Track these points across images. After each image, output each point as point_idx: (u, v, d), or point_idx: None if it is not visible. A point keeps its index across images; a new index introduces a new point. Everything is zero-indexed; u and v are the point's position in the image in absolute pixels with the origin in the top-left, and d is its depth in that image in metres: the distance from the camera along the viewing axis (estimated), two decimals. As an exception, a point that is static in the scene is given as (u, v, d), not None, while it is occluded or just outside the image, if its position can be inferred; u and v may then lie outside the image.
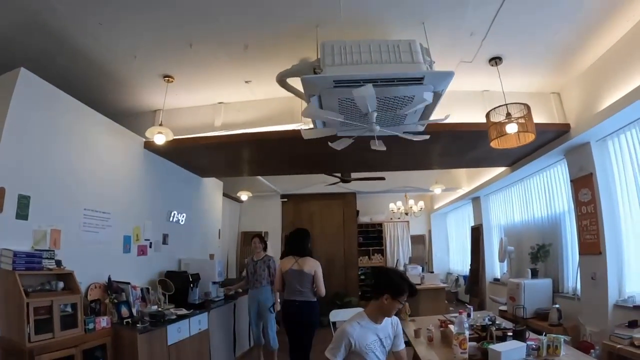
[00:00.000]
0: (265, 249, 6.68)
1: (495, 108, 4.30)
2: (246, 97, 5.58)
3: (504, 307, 7.06)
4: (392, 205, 11.60)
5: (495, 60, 4.58)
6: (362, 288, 11.20)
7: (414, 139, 4.07)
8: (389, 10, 3.70)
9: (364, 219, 13.42)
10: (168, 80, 4.98)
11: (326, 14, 3.71)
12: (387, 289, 3.01)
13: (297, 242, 5.58)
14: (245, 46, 4.29)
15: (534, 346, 3.23)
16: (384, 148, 4.15)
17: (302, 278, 5.32)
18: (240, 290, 7.03)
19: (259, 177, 9.26)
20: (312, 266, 5.39)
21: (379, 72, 3.13)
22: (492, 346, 3.08)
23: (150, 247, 5.84)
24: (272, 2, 3.59)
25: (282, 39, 4.15)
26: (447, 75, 3.22)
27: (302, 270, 5.33)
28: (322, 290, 5.45)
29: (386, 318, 3.13)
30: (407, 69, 3.18)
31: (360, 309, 3.26)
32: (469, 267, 10.59)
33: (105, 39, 4.18)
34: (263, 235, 6.72)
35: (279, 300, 6.08)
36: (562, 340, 3.21)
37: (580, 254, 5.57)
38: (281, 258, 5.69)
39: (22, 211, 3.74)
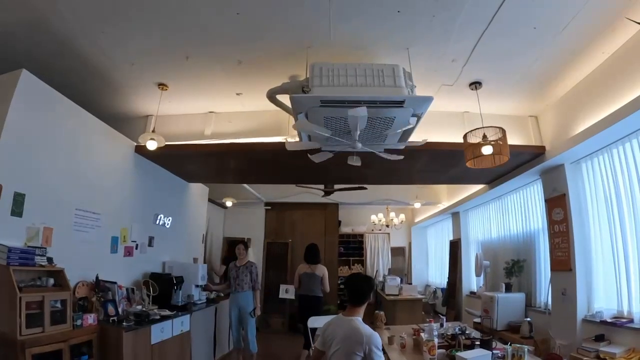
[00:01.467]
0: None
1: (472, 130, 4.50)
2: (236, 108, 5.73)
3: (478, 320, 7.18)
4: (373, 217, 11.67)
5: (475, 85, 4.79)
6: (342, 297, 11.34)
7: (389, 158, 4.29)
8: (377, 36, 3.91)
9: (345, 229, 13.50)
10: (162, 88, 5.11)
11: (317, 36, 3.91)
12: (370, 292, 3.33)
13: (311, 253, 7.43)
14: (239, 61, 4.46)
15: (500, 355, 3.43)
16: (359, 164, 4.43)
17: (314, 279, 7.18)
18: (222, 294, 7.20)
19: (244, 185, 9.42)
20: (322, 270, 7.30)
21: (363, 95, 3.34)
22: (459, 353, 3.29)
23: (136, 248, 5.95)
24: (267, 23, 3.77)
25: (274, 57, 4.33)
26: (427, 100, 3.44)
27: (314, 273, 7.21)
28: (328, 288, 7.29)
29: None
30: (389, 93, 3.39)
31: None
32: (447, 280, 10.71)
33: (106, 44, 4.29)
34: (246, 241, 6.94)
35: (259, 305, 6.75)
36: (525, 350, 3.41)
37: (551, 270, 5.74)
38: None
39: (17, 208, 3.83)
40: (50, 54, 4.46)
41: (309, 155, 4.36)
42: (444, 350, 3.53)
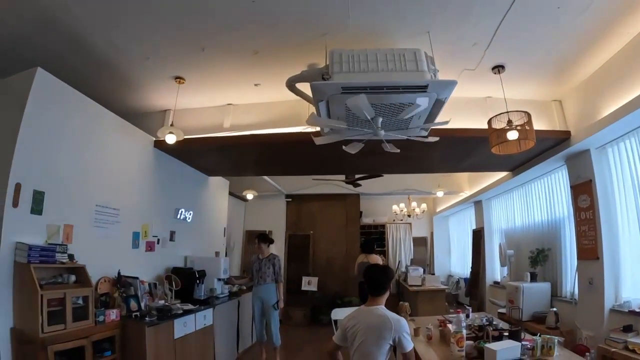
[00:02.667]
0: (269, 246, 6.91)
1: (496, 115, 4.39)
2: (254, 100, 5.68)
3: (503, 310, 7.05)
4: (395, 207, 11.63)
5: (498, 69, 4.67)
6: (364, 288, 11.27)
7: (426, 141, 4.18)
8: (396, 20, 3.82)
9: (366, 220, 13.46)
10: (179, 81, 5.08)
11: (335, 23, 3.82)
12: (389, 282, 3.32)
13: (367, 245, 7.96)
14: (255, 51, 4.40)
15: (529, 346, 3.34)
16: (397, 150, 4.31)
17: None
18: (244, 287, 7.19)
19: (265, 177, 9.37)
20: (376, 259, 7.65)
21: (385, 80, 3.25)
22: (488, 345, 3.19)
23: (158, 243, 5.96)
24: (283, 10, 3.70)
25: (291, 45, 4.26)
26: (450, 84, 3.34)
27: (369, 262, 7.23)
28: None
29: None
30: (412, 78, 3.29)
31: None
32: (470, 270, 10.59)
33: (120, 41, 4.28)
34: (267, 233, 6.63)
35: (282, 297, 6.74)
36: (555, 341, 3.33)
37: (578, 258, 5.60)
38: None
39: (37, 206, 3.85)
40: (64, 52, 4.46)
41: (343, 147, 4.30)
42: (471, 342, 3.43)
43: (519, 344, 3.27)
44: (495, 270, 9.46)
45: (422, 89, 3.29)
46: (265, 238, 6.91)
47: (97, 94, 4.81)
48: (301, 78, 3.87)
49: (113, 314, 4.30)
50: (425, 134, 4.16)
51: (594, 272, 5.18)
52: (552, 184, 6.92)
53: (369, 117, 3.35)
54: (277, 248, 10.55)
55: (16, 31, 4.09)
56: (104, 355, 4.11)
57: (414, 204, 11.59)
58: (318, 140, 4.06)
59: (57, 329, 3.60)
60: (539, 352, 3.30)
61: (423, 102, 3.30)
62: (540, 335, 3.41)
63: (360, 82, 3.25)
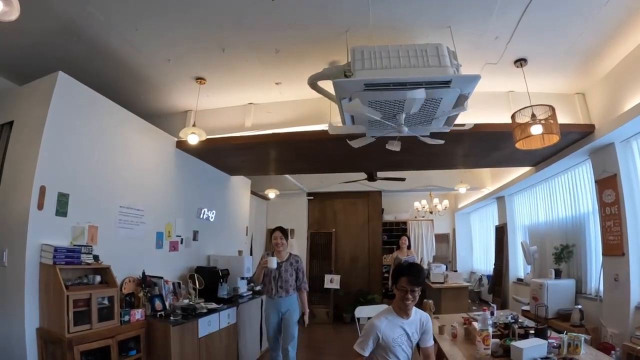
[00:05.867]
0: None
1: (520, 110, 4.33)
2: (276, 99, 5.67)
3: (526, 307, 6.99)
4: (416, 204, 11.60)
5: (521, 62, 4.59)
6: (386, 286, 11.25)
7: (430, 142, 4.18)
8: (416, 16, 3.77)
9: (388, 217, 13.46)
10: (200, 82, 5.10)
11: (356, 19, 3.79)
12: (392, 280, 3.23)
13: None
14: (276, 50, 4.39)
15: (555, 344, 3.29)
16: (398, 149, 4.31)
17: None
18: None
19: (286, 176, 9.38)
20: (412, 253, 8.30)
21: (408, 77, 3.23)
22: (514, 343, 3.16)
23: (181, 243, 6.00)
24: (303, 8, 3.68)
25: (312, 43, 4.24)
26: (474, 79, 3.29)
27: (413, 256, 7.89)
28: None
29: (416, 314, 3.21)
30: (435, 73, 3.26)
31: (386, 306, 3.36)
32: (493, 267, 10.51)
33: (140, 43, 4.31)
34: (286, 229, 5.59)
35: (307, 310, 5.44)
36: (582, 339, 3.28)
37: (603, 255, 5.51)
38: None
39: (62, 208, 3.91)
40: (86, 56, 4.50)
41: (347, 141, 4.28)
42: (497, 340, 3.38)
43: (546, 342, 3.22)
44: (518, 267, 9.38)
45: (445, 84, 3.26)
46: (285, 231, 5.50)
47: (120, 97, 4.89)
48: (323, 76, 3.85)
49: (138, 314, 4.35)
50: (448, 130, 4.13)
51: (619, 268, 5.10)
52: (576, 178, 6.81)
53: (412, 112, 3.35)
54: (299, 246, 10.57)
55: (40, 39, 4.15)
56: (129, 355, 4.15)
57: (435, 200, 11.51)
58: (332, 130, 4.06)
59: (83, 329, 3.65)
60: (565, 350, 3.25)
61: (466, 105, 3.29)
62: (566, 333, 3.36)
63: (383, 79, 3.23)
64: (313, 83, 4.02)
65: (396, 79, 3.22)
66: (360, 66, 3.36)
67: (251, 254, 8.86)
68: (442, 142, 4.24)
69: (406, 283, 3.03)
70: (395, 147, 4.26)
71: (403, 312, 3.13)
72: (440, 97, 3.42)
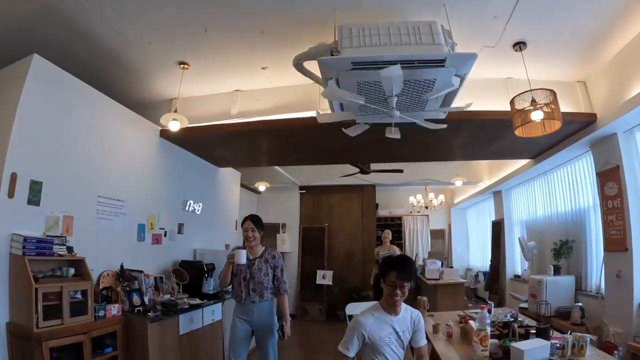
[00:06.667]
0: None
1: (519, 94, 4.14)
2: (263, 85, 5.47)
3: (524, 305, 6.89)
4: (411, 199, 11.50)
5: (520, 46, 4.39)
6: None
7: (431, 127, 3.93)
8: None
9: (383, 212, 13.33)
10: (184, 67, 4.92)
11: (345, -1, 3.58)
12: (380, 274, 2.97)
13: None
14: (262, 31, 4.19)
15: (558, 345, 3.07)
16: (398, 136, 4.05)
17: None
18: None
19: (277, 168, 9.18)
20: (393, 248, 7.90)
21: (399, 54, 3.01)
22: (514, 344, 2.93)
23: (165, 236, 5.82)
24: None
25: (299, 25, 4.05)
26: (470, 57, 3.08)
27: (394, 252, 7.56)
28: None
29: (406, 311, 3.02)
30: (428, 51, 3.04)
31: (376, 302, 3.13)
32: (489, 263, 10.41)
33: (120, 25, 4.16)
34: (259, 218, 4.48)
35: (289, 318, 4.26)
36: (588, 339, 3.05)
37: (605, 250, 5.37)
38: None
39: (34, 197, 3.74)
40: (64, 41, 4.37)
41: (343, 130, 4.08)
42: (496, 341, 3.16)
43: (549, 343, 3.00)
44: (515, 264, 9.29)
45: (439, 63, 3.04)
46: (257, 220, 4.39)
47: (101, 85, 4.71)
48: (309, 55, 3.63)
49: (114, 309, 4.14)
50: (444, 116, 3.91)
51: (622, 264, 4.95)
52: (576, 171, 6.67)
53: (394, 93, 3.10)
54: (292, 241, 10.38)
55: (19, 23, 4.04)
56: (104, 352, 3.94)
57: (431, 195, 11.41)
58: (321, 118, 3.86)
59: (53, 324, 3.48)
60: (569, 352, 3.03)
61: (456, 81, 3.05)
62: (571, 333, 3.13)
63: (372, 57, 3.01)
64: (298, 64, 3.82)
65: (386, 56, 3.00)
66: (348, 44, 3.14)
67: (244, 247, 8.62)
68: (444, 126, 4.02)
69: (395, 278, 2.82)
70: (394, 134, 4.00)
71: (391, 308, 2.93)
72: (434, 77, 3.21)
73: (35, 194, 3.73)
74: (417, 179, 10.60)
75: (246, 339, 4.23)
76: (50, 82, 3.99)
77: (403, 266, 2.88)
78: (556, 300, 6.08)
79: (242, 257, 4.02)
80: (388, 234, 8.25)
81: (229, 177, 8.28)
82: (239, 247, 4.21)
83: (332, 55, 3.26)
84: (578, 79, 5.28)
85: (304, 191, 11.21)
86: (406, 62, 3.00)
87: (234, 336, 4.19)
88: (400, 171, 8.65)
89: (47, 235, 3.77)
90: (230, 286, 4.33)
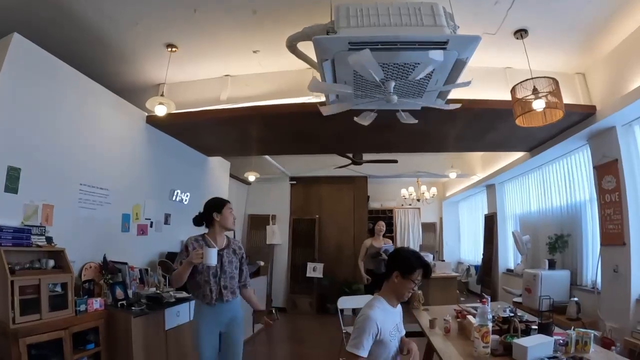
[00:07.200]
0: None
1: (521, 82, 4.01)
2: (254, 70, 5.33)
3: (518, 299, 6.84)
4: (403, 191, 11.42)
5: (521, 33, 4.29)
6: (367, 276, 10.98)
7: (445, 109, 3.77)
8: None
9: (374, 204, 13.27)
10: (172, 50, 4.77)
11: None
12: (396, 267, 2.72)
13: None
14: (254, 11, 4.05)
15: (562, 341, 2.94)
16: (414, 120, 3.92)
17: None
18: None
19: (268, 158, 9.02)
20: (389, 242, 7.35)
21: (399, 34, 2.84)
22: (516, 340, 2.79)
23: (151, 226, 5.66)
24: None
25: (293, 4, 3.92)
26: (473, 40, 2.92)
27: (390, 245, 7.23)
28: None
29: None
30: (430, 32, 2.88)
31: (370, 296, 2.96)
32: (482, 257, 10.37)
33: (106, 5, 4.00)
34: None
35: (261, 307, 4.00)
36: (592, 335, 2.92)
37: (602, 244, 5.34)
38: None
39: (12, 184, 3.59)
40: (47, 20, 4.21)
41: (354, 119, 3.91)
42: (496, 337, 3.01)
43: (552, 339, 2.86)
44: (508, 258, 9.30)
45: (441, 45, 2.88)
46: (220, 204, 3.67)
47: (87, 69, 4.55)
48: (303, 36, 3.44)
49: (97, 303, 3.95)
50: (443, 102, 3.75)
51: (619, 259, 4.95)
52: (572, 165, 6.64)
53: (377, 79, 2.94)
54: (282, 233, 10.24)
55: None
56: (86, 349, 3.77)
57: (423, 187, 11.34)
58: (325, 111, 3.66)
59: (31, 320, 3.30)
60: (573, 348, 2.89)
61: (437, 56, 2.88)
62: (574, 329, 3.00)
63: (370, 36, 2.84)
64: (292, 45, 3.64)
65: (385, 36, 2.83)
66: (345, 24, 2.96)
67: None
68: (458, 106, 3.82)
69: (420, 276, 2.70)
70: (408, 119, 3.84)
71: (396, 302, 2.78)
72: (434, 60, 3.03)
73: (12, 181, 3.58)
74: (410, 170, 10.50)
75: (216, 352, 3.52)
76: (31, 63, 3.82)
77: (428, 265, 2.76)
78: (551, 294, 5.90)
79: (213, 258, 3.30)
80: (383, 226, 7.50)
81: (218, 166, 8.14)
82: (197, 239, 3.57)
83: (328, 35, 3.08)
84: (577, 71, 5.23)
85: (295, 182, 11.05)
86: (406, 43, 2.85)
87: (204, 351, 3.41)
88: (395, 161, 8.49)
89: (25, 225, 3.61)
90: (187, 286, 3.57)
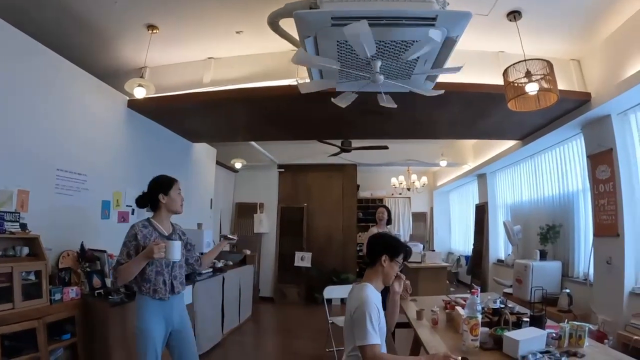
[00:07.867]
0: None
1: (514, 64, 3.89)
2: (238, 52, 5.21)
3: (508, 290, 6.81)
4: (394, 180, 11.37)
5: (514, 15, 4.14)
6: (360, 265, 10.86)
7: (429, 95, 3.62)
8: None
9: (364, 193, 13.24)
10: (152, 30, 4.61)
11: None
12: (384, 251, 2.72)
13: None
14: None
15: (555, 335, 2.81)
16: (394, 105, 3.78)
17: None
18: (231, 262, 6.61)
19: (255, 145, 8.87)
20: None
21: (384, 9, 2.69)
22: (507, 333, 2.67)
23: (133, 214, 5.50)
24: None
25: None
26: (464, 16, 2.78)
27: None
28: None
29: None
30: (418, 7, 2.73)
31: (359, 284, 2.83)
32: (472, 247, 10.32)
33: None
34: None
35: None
36: (587, 329, 2.79)
37: (595, 235, 5.27)
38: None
39: None
40: (25, 3, 4.07)
41: (332, 100, 3.79)
42: (486, 329, 2.89)
43: (545, 332, 2.74)
44: (498, 248, 9.26)
45: (429, 21, 2.73)
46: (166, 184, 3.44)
47: (65, 51, 4.39)
48: (286, 12, 3.29)
49: (72, 292, 3.80)
50: (431, 87, 3.61)
51: (613, 250, 4.89)
52: (565, 154, 6.56)
53: (368, 54, 2.78)
54: (269, 221, 10.12)
55: None
56: (62, 339, 3.63)
57: (413, 176, 11.24)
58: (303, 88, 3.52)
59: (3, 309, 3.17)
60: (566, 342, 2.77)
61: (436, 35, 2.73)
62: (568, 322, 2.88)
63: (354, 10, 2.69)
64: (274, 22, 3.50)
65: (370, 11, 2.67)
66: (329, -3, 2.80)
67: (220, 231, 8.58)
68: (442, 92, 3.70)
69: (403, 259, 2.81)
70: (388, 102, 3.69)
71: (381, 285, 2.76)
72: (423, 38, 2.89)
73: (-16, 166, 3.43)
74: (400, 159, 10.41)
75: (162, 344, 3.14)
76: (5, 45, 3.68)
77: (409, 247, 2.93)
78: (542, 285, 5.90)
79: (178, 252, 2.99)
80: (383, 213, 6.61)
81: (204, 153, 8.02)
82: (145, 224, 3.26)
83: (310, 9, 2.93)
84: (572, 57, 5.12)
85: (283, 170, 10.90)
86: (392, 18, 2.70)
87: (149, 351, 3.00)
88: (385, 147, 8.31)
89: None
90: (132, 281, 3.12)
